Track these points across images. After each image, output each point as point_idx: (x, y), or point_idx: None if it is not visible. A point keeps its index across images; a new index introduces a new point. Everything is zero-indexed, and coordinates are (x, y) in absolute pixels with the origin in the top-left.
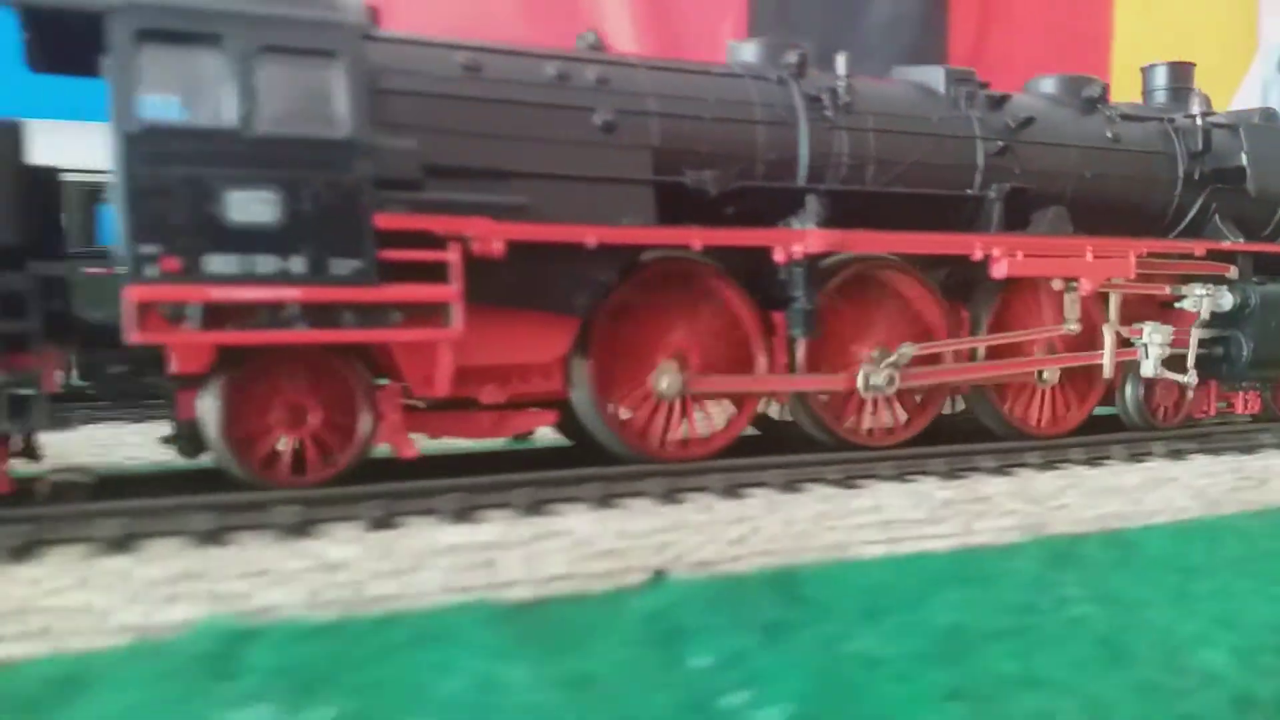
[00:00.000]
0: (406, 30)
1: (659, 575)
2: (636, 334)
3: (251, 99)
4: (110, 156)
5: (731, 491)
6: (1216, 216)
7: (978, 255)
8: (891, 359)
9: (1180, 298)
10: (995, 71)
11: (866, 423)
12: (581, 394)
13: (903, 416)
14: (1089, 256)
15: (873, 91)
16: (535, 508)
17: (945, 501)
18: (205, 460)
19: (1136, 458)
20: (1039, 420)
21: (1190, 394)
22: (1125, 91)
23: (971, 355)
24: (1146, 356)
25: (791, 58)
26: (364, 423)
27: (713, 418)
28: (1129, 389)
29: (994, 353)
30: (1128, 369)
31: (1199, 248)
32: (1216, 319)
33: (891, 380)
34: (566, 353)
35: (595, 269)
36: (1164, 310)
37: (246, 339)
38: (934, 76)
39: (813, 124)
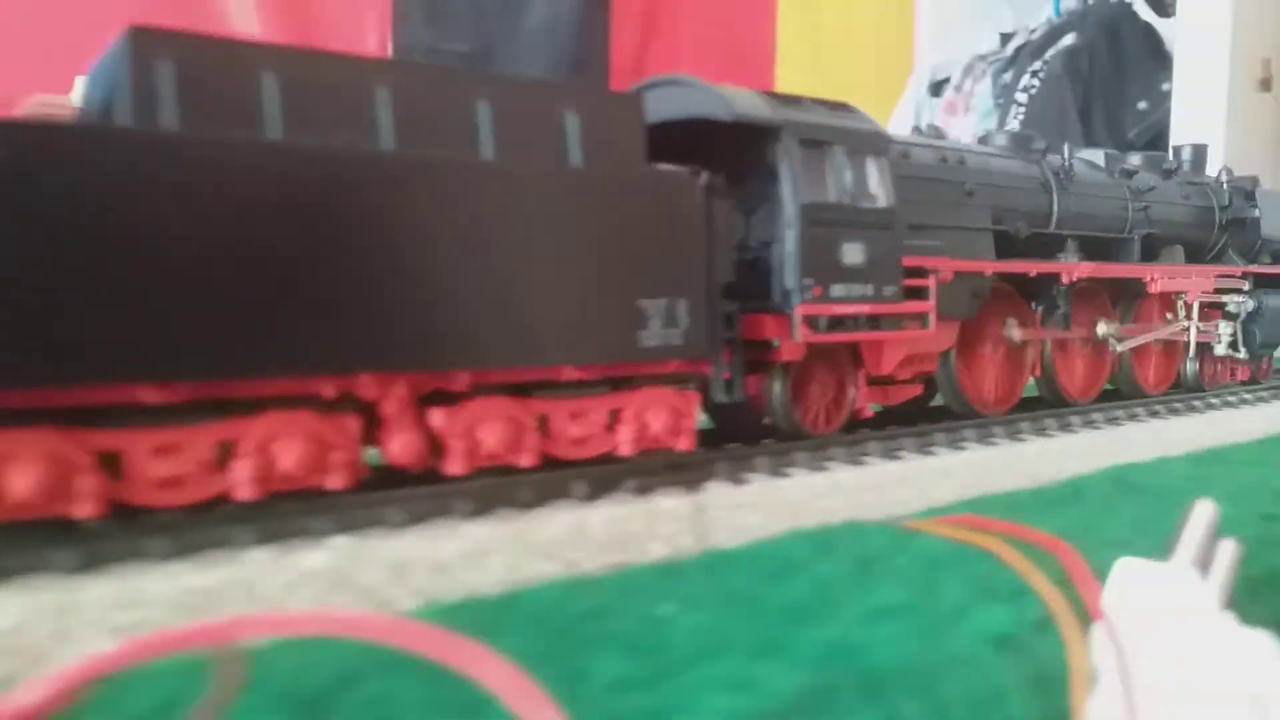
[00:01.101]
0: None
1: None
2: (975, 328)
3: (852, 184)
4: (779, 222)
5: None
6: (1230, 249)
7: (1146, 278)
8: (1112, 327)
9: (1225, 303)
10: None
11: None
12: (945, 371)
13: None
14: (1194, 278)
15: (1078, 166)
16: None
17: None
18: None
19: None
20: (1151, 381)
21: (1220, 366)
22: None
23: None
24: (1219, 341)
25: (1040, 145)
26: (851, 393)
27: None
28: (1190, 363)
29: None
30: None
31: (1237, 271)
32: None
33: (1106, 337)
34: (953, 344)
35: (982, 288)
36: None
37: (850, 338)
38: (1096, 156)
39: (1059, 190)
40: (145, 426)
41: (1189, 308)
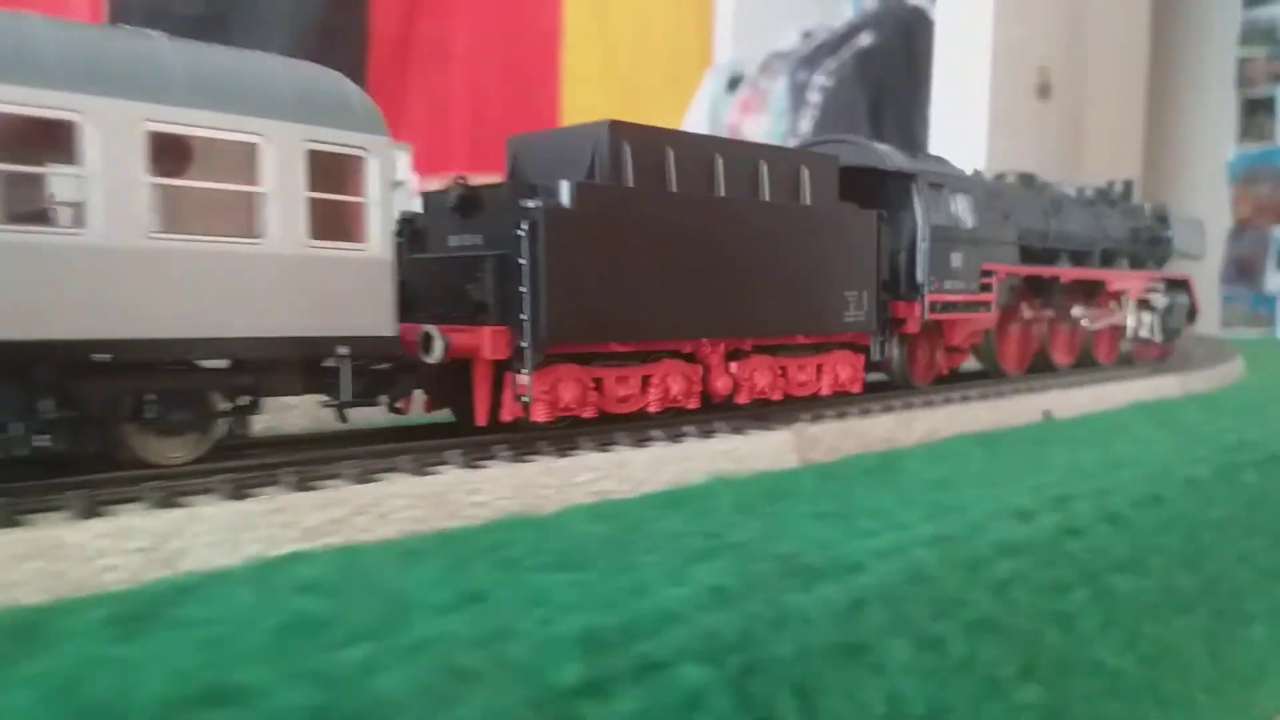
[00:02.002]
0: None
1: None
2: (1005, 313)
3: (955, 212)
4: (909, 239)
5: None
6: (1150, 260)
7: (1107, 280)
8: (1085, 312)
9: (1150, 299)
10: (429, 60)
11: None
12: (987, 343)
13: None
14: (1133, 281)
15: (1063, 196)
16: None
17: None
18: None
19: None
20: (1105, 356)
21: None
22: (575, 97)
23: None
24: (1141, 324)
25: (1041, 182)
26: (938, 358)
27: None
28: (1125, 342)
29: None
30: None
31: (1159, 275)
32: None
33: (1080, 320)
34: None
35: (1016, 285)
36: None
37: (955, 317)
38: (1071, 189)
39: (1053, 215)
40: (612, 366)
41: (1129, 302)
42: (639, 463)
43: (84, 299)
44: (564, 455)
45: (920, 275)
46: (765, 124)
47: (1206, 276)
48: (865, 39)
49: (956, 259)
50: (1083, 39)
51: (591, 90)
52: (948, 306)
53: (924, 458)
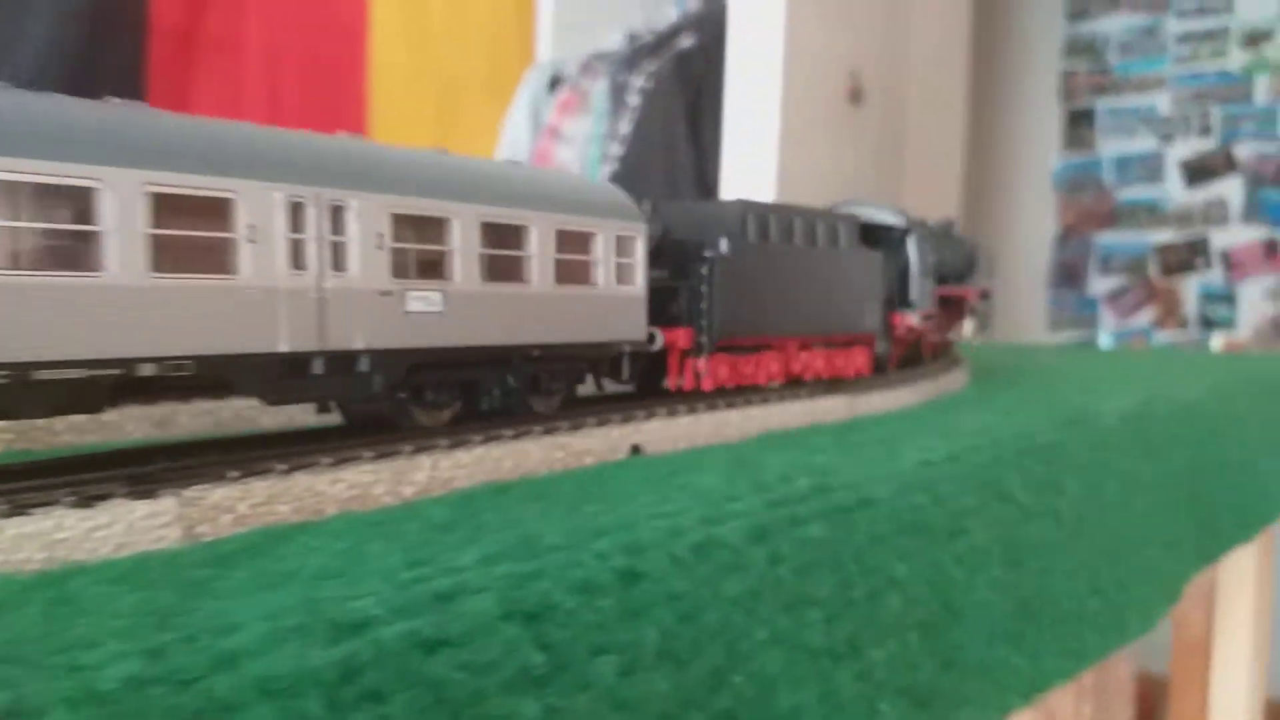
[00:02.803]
0: None
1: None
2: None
3: (926, 253)
4: (900, 271)
5: None
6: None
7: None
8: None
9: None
10: (218, 52)
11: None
12: (917, 341)
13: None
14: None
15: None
16: None
17: None
18: None
19: None
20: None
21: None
22: (386, 93)
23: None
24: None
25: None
26: (899, 351)
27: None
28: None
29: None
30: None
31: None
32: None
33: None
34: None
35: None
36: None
37: (925, 326)
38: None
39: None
40: (739, 354)
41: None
42: None
43: (533, 319)
44: None
45: (914, 297)
46: (585, 125)
47: (1033, 281)
48: (685, 41)
49: (928, 285)
50: (900, 47)
51: (403, 87)
52: (924, 319)
53: (330, 533)
